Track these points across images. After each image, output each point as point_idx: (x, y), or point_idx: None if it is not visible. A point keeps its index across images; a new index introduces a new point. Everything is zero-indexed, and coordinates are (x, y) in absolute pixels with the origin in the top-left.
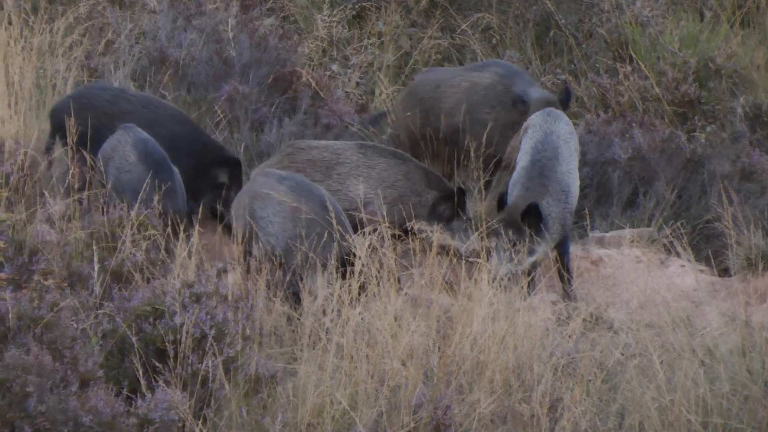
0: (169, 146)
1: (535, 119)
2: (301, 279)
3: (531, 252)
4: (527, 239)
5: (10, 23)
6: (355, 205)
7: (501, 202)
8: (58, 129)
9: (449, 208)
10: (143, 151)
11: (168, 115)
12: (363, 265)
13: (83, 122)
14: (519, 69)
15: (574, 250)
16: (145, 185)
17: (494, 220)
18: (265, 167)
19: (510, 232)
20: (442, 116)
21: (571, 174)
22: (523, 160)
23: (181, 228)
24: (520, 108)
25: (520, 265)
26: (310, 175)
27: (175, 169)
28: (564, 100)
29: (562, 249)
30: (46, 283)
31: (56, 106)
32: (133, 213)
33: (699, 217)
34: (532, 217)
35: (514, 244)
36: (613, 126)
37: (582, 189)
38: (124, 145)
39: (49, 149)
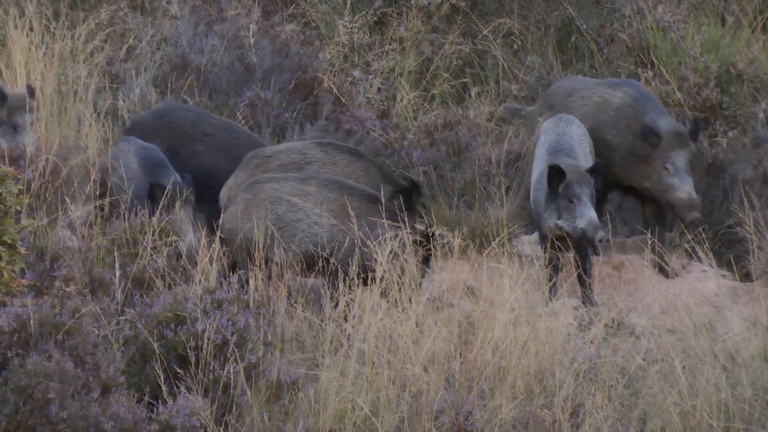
0: None
1: (547, 125)
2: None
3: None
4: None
5: (31, 29)
6: None
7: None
8: None
9: (403, 202)
10: (144, 156)
11: (246, 142)
12: (384, 271)
13: (163, 140)
14: (651, 94)
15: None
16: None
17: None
18: (236, 182)
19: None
20: None
21: None
22: (538, 165)
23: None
24: (652, 141)
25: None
26: None
27: (175, 174)
28: (693, 133)
29: (582, 253)
30: (67, 289)
31: (136, 120)
32: (154, 219)
33: (721, 222)
34: (555, 177)
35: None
36: None
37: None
38: (127, 153)
39: None
